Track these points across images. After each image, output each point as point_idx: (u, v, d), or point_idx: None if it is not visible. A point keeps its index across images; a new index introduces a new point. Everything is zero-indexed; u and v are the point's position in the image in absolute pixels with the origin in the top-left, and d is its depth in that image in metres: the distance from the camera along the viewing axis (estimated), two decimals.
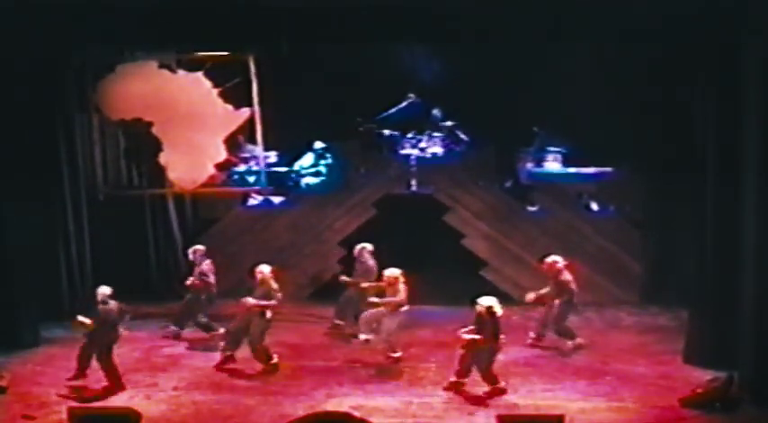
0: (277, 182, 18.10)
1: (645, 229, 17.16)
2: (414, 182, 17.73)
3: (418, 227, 17.02)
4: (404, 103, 18.30)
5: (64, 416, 10.75)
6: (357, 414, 10.79)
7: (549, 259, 14.64)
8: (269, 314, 13.89)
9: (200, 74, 16.33)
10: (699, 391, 12.22)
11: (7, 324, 14.92)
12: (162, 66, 16.47)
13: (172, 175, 16.83)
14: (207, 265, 15.40)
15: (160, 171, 16.93)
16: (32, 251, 15.63)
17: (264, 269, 14.12)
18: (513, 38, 14.57)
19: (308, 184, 18.44)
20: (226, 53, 16.08)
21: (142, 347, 15.08)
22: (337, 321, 15.49)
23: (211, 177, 16.87)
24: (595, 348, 14.41)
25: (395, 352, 14.03)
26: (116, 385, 13.08)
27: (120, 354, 14.68)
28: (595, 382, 13.06)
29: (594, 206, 17.72)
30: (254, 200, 18.55)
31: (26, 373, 13.81)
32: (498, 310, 12.54)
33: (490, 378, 12.68)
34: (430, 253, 16.30)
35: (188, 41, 15.43)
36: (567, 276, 14.43)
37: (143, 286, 17.79)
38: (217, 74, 16.36)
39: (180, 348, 15.03)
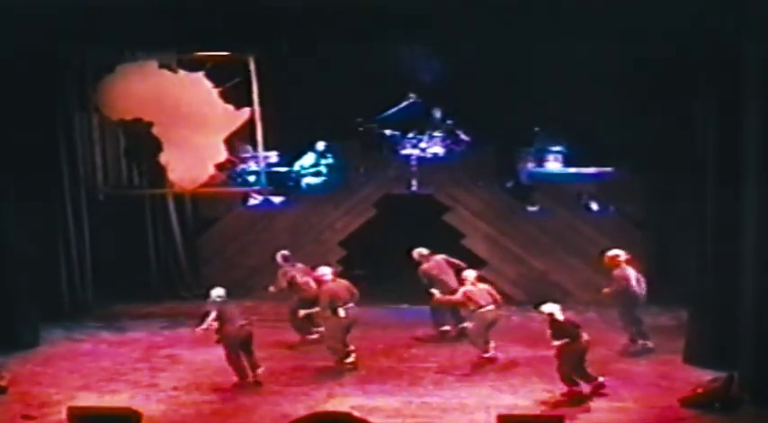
0: (277, 182, 18.09)
1: (645, 229, 17.15)
2: (414, 182, 17.73)
3: (418, 227, 17.00)
4: (404, 103, 18.30)
5: (64, 416, 10.75)
6: (357, 414, 10.80)
7: (611, 253, 14.46)
8: (342, 312, 13.75)
9: (200, 74, 16.34)
10: (699, 391, 12.21)
11: (7, 324, 14.93)
12: (162, 66, 16.47)
13: (172, 175, 16.83)
14: (296, 268, 15.26)
15: (160, 171, 16.94)
16: (32, 251, 15.64)
17: (325, 271, 14.10)
18: (513, 38, 14.57)
19: (308, 184, 18.43)
20: (226, 53, 16.07)
21: (142, 347, 15.09)
22: (443, 328, 15.28)
23: (211, 177, 16.88)
24: (595, 348, 14.38)
25: (486, 352, 13.95)
26: (242, 379, 13.12)
27: (120, 353, 14.78)
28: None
29: (595, 206, 17.70)
30: (254, 200, 18.54)
31: (26, 373, 13.82)
32: (559, 316, 12.58)
33: (586, 376, 12.59)
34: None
35: (188, 41, 15.43)
36: (621, 271, 14.25)
37: (143, 286, 17.81)
38: (217, 74, 16.36)
39: (180, 348, 15.03)
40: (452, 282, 14.79)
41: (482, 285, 14.25)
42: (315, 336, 14.95)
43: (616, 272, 14.29)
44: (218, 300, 13.24)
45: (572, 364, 12.58)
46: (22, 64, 15.05)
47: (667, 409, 12.10)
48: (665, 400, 12.35)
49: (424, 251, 15.23)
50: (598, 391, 12.58)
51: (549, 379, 13.18)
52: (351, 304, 13.86)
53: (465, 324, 14.83)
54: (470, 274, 14.30)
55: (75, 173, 16.81)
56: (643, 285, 14.42)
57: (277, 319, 15.63)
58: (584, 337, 12.63)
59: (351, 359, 13.86)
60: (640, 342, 14.41)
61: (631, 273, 14.33)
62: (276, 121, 16.96)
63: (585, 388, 12.59)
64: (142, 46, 16.12)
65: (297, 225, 17.88)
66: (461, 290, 14.17)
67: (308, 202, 18.17)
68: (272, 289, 15.26)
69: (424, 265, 15.08)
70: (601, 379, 12.69)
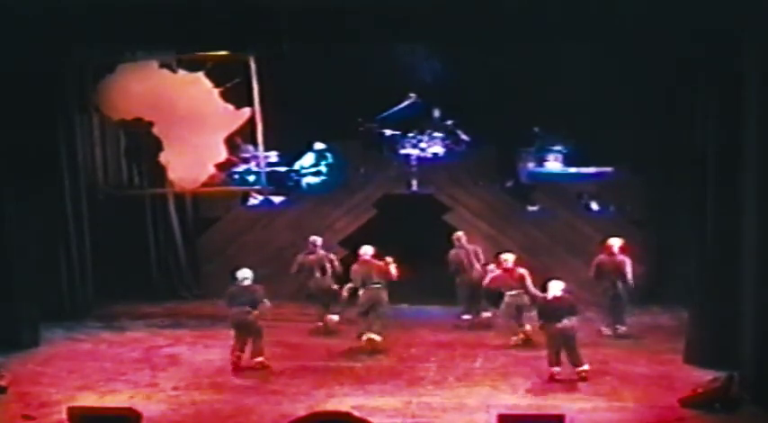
0: (277, 182, 18.10)
1: (645, 229, 17.15)
2: (414, 182, 17.74)
3: (418, 227, 17.00)
4: (404, 103, 18.30)
5: (64, 416, 10.74)
6: (357, 414, 10.80)
7: (609, 241, 15.20)
8: (360, 292, 14.81)
9: (200, 74, 16.35)
10: (699, 391, 12.19)
11: (7, 324, 14.92)
12: (162, 66, 16.48)
13: (172, 174, 16.84)
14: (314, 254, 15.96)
15: (160, 171, 16.95)
16: (32, 251, 15.63)
17: (365, 250, 14.97)
18: (514, 38, 14.56)
19: (308, 184, 18.44)
20: (226, 53, 16.08)
21: (142, 347, 15.09)
22: (465, 317, 16.02)
23: (211, 177, 16.88)
24: (595, 348, 14.40)
25: (515, 335, 14.78)
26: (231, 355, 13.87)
27: (120, 353, 14.79)
28: (595, 382, 13.05)
29: (595, 206, 17.71)
30: (254, 200, 18.55)
31: (26, 373, 13.79)
32: (549, 293, 13.18)
33: (550, 358, 13.18)
34: (430, 253, 16.30)
35: (188, 41, 15.42)
36: (602, 258, 15.11)
37: (143, 286, 17.82)
38: (217, 74, 16.36)
39: (180, 348, 15.03)
40: (476, 272, 15.71)
41: (520, 270, 14.81)
42: (336, 317, 15.70)
43: (600, 257, 15.10)
44: (237, 281, 13.98)
45: (553, 346, 13.06)
46: (22, 64, 15.02)
47: (667, 409, 12.08)
48: (665, 400, 12.34)
49: (463, 236, 15.95)
50: (579, 376, 13.02)
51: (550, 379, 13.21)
52: (377, 285, 14.70)
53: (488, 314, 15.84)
54: (508, 257, 14.94)
55: (76, 173, 16.80)
56: (628, 278, 15.04)
57: (277, 318, 15.63)
58: (565, 323, 13.01)
59: (363, 337, 14.51)
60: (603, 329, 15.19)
61: (612, 263, 15.04)
62: (276, 121, 16.96)
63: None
64: (142, 46, 16.13)
65: (297, 225, 17.87)
66: (489, 275, 15.01)
67: (308, 202, 18.18)
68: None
69: (454, 251, 15.90)
70: (584, 367, 13.07)
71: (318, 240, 15.98)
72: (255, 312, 13.80)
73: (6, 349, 14.54)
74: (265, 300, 13.93)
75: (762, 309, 12.30)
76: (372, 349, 14.42)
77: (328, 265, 15.81)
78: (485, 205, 17.60)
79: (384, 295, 14.78)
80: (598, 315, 15.68)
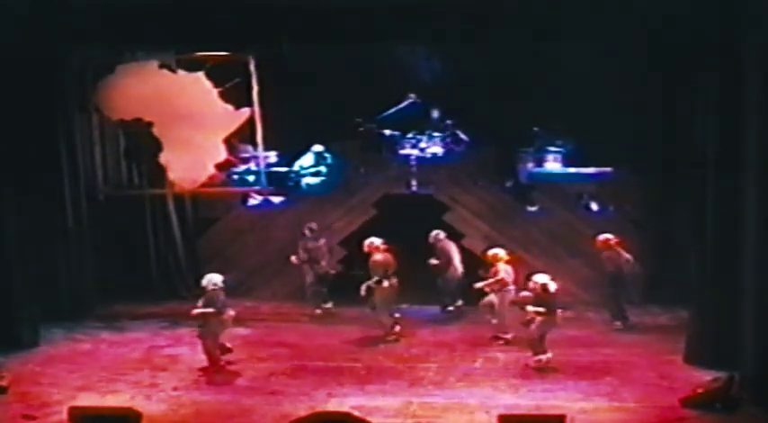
0: (277, 182, 18.09)
1: (645, 229, 17.15)
2: (414, 182, 17.74)
3: (418, 227, 17.00)
4: (404, 103, 18.30)
5: (64, 416, 10.75)
6: (357, 414, 10.80)
7: (602, 236, 15.54)
8: (386, 283, 14.96)
9: (200, 74, 16.34)
10: (699, 391, 12.20)
11: (7, 324, 14.92)
12: (162, 66, 16.48)
13: (172, 175, 16.83)
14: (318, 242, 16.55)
15: (160, 171, 16.94)
16: (32, 251, 15.62)
17: (378, 241, 15.20)
18: (514, 38, 14.57)
19: (308, 185, 18.43)
20: (226, 53, 16.08)
21: (142, 347, 15.09)
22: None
23: (211, 177, 16.88)
24: (595, 348, 14.41)
25: (506, 333, 14.78)
26: (215, 366, 13.74)
27: (120, 353, 14.79)
28: (596, 382, 13.06)
29: (594, 206, 17.70)
30: (254, 200, 18.54)
31: (26, 373, 13.80)
32: (552, 286, 13.46)
33: (537, 347, 13.54)
34: (430, 253, 16.30)
35: (188, 41, 15.43)
36: (611, 253, 15.42)
37: (143, 286, 17.81)
38: (217, 74, 16.36)
39: (180, 348, 15.03)
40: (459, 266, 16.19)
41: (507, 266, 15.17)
42: (319, 311, 16.32)
43: (605, 254, 15.37)
44: (217, 286, 13.74)
45: (542, 335, 13.55)
46: (22, 64, 15.03)
47: (668, 409, 12.10)
48: (665, 400, 12.36)
49: (441, 234, 16.26)
50: (537, 365, 13.53)
51: (549, 379, 13.21)
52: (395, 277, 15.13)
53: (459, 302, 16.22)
54: (501, 252, 15.12)
55: (76, 173, 16.79)
56: (631, 267, 15.45)
57: (277, 319, 15.64)
58: (559, 313, 13.57)
59: (397, 329, 15.03)
60: (617, 322, 15.42)
61: (621, 255, 15.36)
62: (276, 121, 16.96)
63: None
64: (142, 46, 16.13)
65: (297, 225, 17.85)
66: (500, 267, 14.91)
67: (307, 202, 18.17)
68: (293, 259, 16.29)
69: (442, 243, 16.23)
70: (548, 356, 13.57)
71: (314, 225, 16.53)
72: (231, 313, 13.92)
73: (6, 349, 14.54)
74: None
75: (762, 309, 12.32)
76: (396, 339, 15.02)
77: (327, 251, 16.47)
78: (485, 205, 17.60)
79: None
80: (597, 315, 15.71)
